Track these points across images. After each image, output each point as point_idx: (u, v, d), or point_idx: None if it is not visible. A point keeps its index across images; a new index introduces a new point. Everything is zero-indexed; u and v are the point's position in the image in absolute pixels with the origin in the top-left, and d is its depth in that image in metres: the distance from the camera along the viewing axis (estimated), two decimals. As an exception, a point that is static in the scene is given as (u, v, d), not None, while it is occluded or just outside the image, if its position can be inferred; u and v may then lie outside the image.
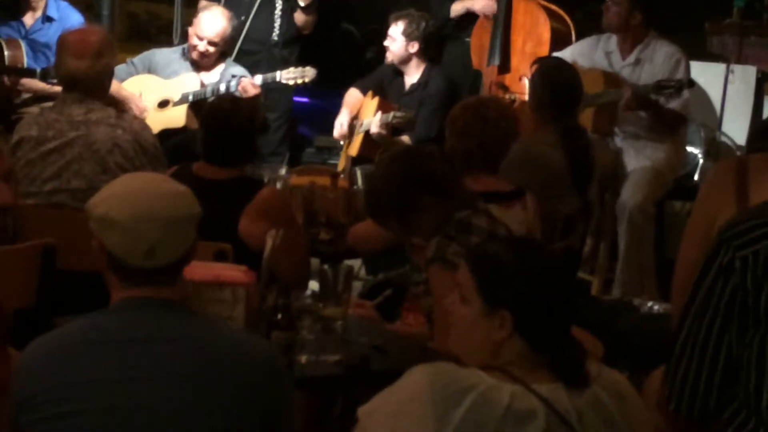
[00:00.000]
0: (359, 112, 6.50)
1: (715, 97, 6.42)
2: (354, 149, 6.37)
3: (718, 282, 2.05)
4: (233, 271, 2.93)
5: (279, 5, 6.46)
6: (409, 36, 6.29)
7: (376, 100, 6.34)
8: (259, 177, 4.41)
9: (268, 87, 5.97)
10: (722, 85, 6.28)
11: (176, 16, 6.64)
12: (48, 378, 2.07)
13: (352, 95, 6.57)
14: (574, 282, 4.40)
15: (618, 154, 5.55)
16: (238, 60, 6.23)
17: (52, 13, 5.83)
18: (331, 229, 4.27)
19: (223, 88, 5.76)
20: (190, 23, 6.10)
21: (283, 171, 4.86)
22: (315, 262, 3.87)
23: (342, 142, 6.62)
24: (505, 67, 6.21)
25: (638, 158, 5.48)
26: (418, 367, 2.01)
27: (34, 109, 5.16)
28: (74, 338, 2.12)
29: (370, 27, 7.44)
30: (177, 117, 5.80)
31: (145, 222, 2.11)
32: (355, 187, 5.22)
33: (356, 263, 4.87)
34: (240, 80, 5.77)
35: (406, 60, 6.37)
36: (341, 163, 6.54)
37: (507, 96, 5.95)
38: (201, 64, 5.97)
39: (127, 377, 2.05)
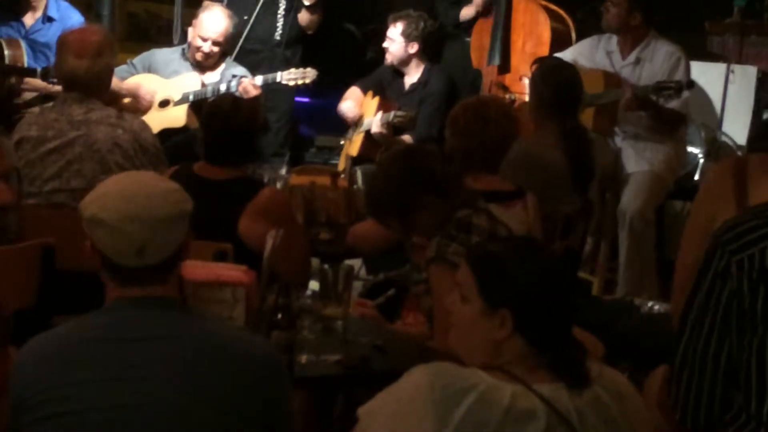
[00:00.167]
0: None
1: (715, 97, 6.42)
2: (354, 149, 6.37)
3: (714, 288, 2.06)
4: (233, 271, 2.93)
5: (282, 5, 6.46)
6: (408, 37, 6.29)
7: (376, 100, 6.34)
8: (260, 177, 4.41)
9: (271, 87, 5.97)
10: (723, 85, 6.28)
11: (176, 16, 6.64)
12: (46, 378, 2.07)
13: (354, 91, 6.57)
14: (574, 282, 4.39)
15: (618, 154, 5.56)
16: (241, 59, 6.23)
17: (52, 13, 5.83)
18: (332, 229, 4.27)
19: (223, 88, 5.76)
20: (190, 23, 6.10)
21: (283, 171, 4.87)
22: (315, 261, 3.87)
23: (342, 142, 6.62)
24: (505, 67, 6.22)
25: (638, 161, 5.48)
26: (418, 367, 2.01)
27: (37, 109, 5.16)
28: (71, 338, 2.12)
29: (370, 27, 7.44)
30: (177, 117, 5.80)
31: (133, 222, 2.11)
32: (355, 187, 5.22)
33: (356, 263, 4.86)
34: (240, 80, 5.77)
35: (406, 61, 6.37)
36: (341, 163, 6.54)
37: (507, 96, 5.95)
38: (204, 64, 5.97)
39: (124, 376, 2.05)
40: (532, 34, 6.19)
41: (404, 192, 3.12)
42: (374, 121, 6.13)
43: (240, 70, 6.01)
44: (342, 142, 6.63)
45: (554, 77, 4.68)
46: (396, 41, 6.32)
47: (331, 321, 3.10)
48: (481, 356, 2.06)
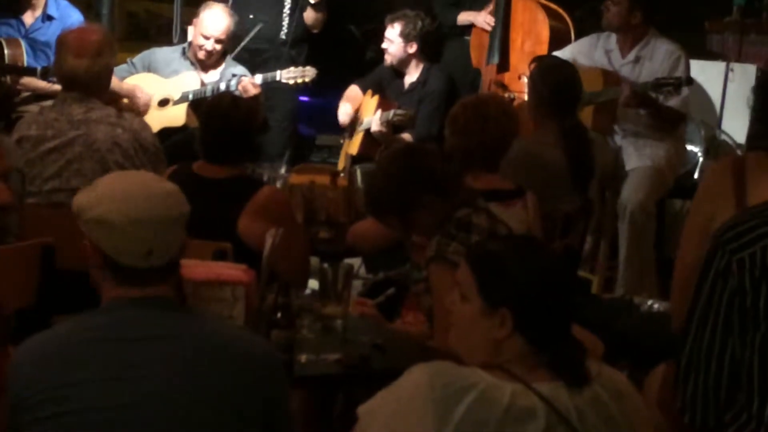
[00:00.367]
0: (359, 111, 6.50)
1: (714, 95, 6.42)
2: (354, 148, 6.37)
3: (716, 287, 2.06)
4: (233, 270, 2.93)
5: (288, 3, 6.46)
6: (406, 37, 6.28)
7: (375, 99, 6.34)
8: (259, 176, 4.41)
9: (273, 87, 5.97)
10: (722, 84, 6.28)
11: (176, 16, 6.64)
12: (45, 378, 2.06)
13: (353, 90, 6.57)
14: (574, 280, 4.39)
15: (618, 153, 5.56)
16: (246, 59, 6.23)
17: (52, 11, 5.83)
18: (331, 228, 4.27)
19: (223, 87, 5.76)
20: (189, 22, 6.10)
21: (282, 170, 4.86)
22: (315, 260, 3.87)
23: (342, 141, 6.62)
24: (504, 65, 6.21)
25: (638, 157, 5.48)
26: (418, 366, 2.01)
27: (34, 108, 5.16)
28: (70, 338, 2.12)
29: (370, 26, 7.44)
30: (177, 116, 5.80)
31: (143, 224, 2.11)
32: (354, 185, 5.22)
33: (356, 262, 4.87)
34: (240, 79, 5.77)
35: (405, 61, 6.37)
36: (341, 162, 6.54)
37: (506, 95, 5.94)
38: (206, 63, 5.97)
39: (124, 376, 2.05)
40: (531, 33, 6.19)
41: (404, 191, 3.12)
42: (374, 120, 6.13)
43: (240, 69, 6.01)
44: (342, 141, 6.64)
45: (553, 76, 4.68)
46: (395, 42, 6.32)
47: (331, 320, 3.10)
48: (480, 355, 2.06)
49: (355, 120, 6.50)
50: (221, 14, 5.95)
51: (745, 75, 6.34)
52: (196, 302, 2.74)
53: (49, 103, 4.42)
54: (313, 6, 6.41)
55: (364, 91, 6.53)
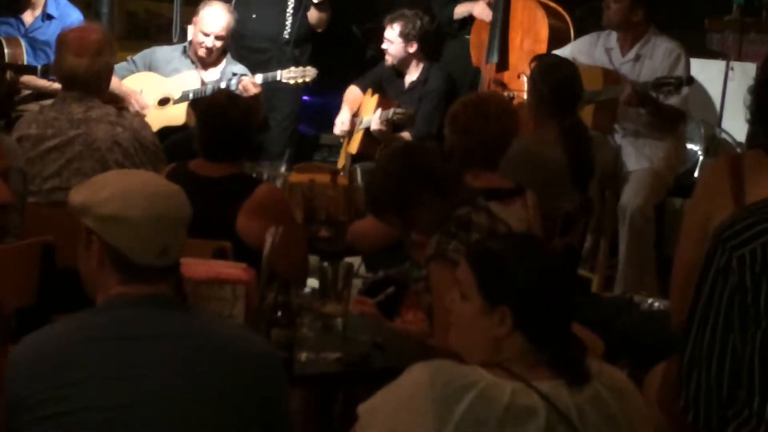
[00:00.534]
0: (359, 110, 6.50)
1: (714, 94, 6.42)
2: (354, 147, 6.37)
3: (717, 285, 2.06)
4: (233, 269, 2.93)
5: (291, 3, 6.45)
6: (406, 37, 6.28)
7: (375, 98, 6.34)
8: (259, 175, 4.41)
9: (276, 87, 5.97)
10: (722, 82, 6.28)
11: (175, 14, 6.64)
12: (44, 378, 2.04)
13: (353, 92, 6.57)
14: (574, 279, 4.39)
15: (618, 152, 5.56)
16: (249, 58, 6.23)
17: (51, 10, 5.84)
18: (331, 227, 4.27)
19: (223, 86, 5.77)
20: (189, 21, 6.11)
21: (282, 168, 4.87)
22: (314, 259, 3.87)
23: (342, 140, 6.62)
24: (503, 64, 6.21)
25: (638, 158, 5.49)
26: (418, 365, 2.01)
27: (34, 107, 5.16)
28: (70, 337, 2.10)
29: (370, 26, 7.44)
30: (177, 115, 5.80)
31: (159, 222, 2.11)
32: (354, 184, 5.22)
33: (356, 260, 4.87)
34: (240, 79, 5.78)
35: (406, 61, 6.37)
36: (341, 161, 6.54)
37: (506, 93, 5.94)
38: (207, 60, 5.97)
39: (124, 375, 2.04)
40: (530, 32, 6.19)
41: (403, 189, 3.12)
42: (374, 119, 6.13)
43: (240, 68, 6.02)
44: (342, 140, 6.64)
45: (553, 74, 4.68)
46: (394, 42, 6.31)
47: (331, 319, 3.10)
48: (480, 354, 2.06)
49: (354, 121, 6.50)
50: (221, 11, 5.96)
51: (745, 74, 6.33)
52: (196, 301, 2.73)
53: (49, 102, 4.42)
54: (317, 5, 6.41)
55: (364, 90, 6.53)
